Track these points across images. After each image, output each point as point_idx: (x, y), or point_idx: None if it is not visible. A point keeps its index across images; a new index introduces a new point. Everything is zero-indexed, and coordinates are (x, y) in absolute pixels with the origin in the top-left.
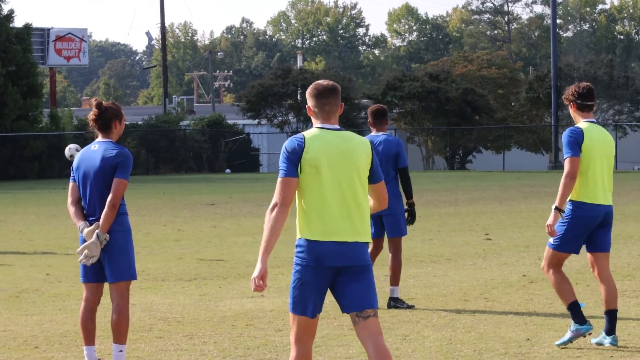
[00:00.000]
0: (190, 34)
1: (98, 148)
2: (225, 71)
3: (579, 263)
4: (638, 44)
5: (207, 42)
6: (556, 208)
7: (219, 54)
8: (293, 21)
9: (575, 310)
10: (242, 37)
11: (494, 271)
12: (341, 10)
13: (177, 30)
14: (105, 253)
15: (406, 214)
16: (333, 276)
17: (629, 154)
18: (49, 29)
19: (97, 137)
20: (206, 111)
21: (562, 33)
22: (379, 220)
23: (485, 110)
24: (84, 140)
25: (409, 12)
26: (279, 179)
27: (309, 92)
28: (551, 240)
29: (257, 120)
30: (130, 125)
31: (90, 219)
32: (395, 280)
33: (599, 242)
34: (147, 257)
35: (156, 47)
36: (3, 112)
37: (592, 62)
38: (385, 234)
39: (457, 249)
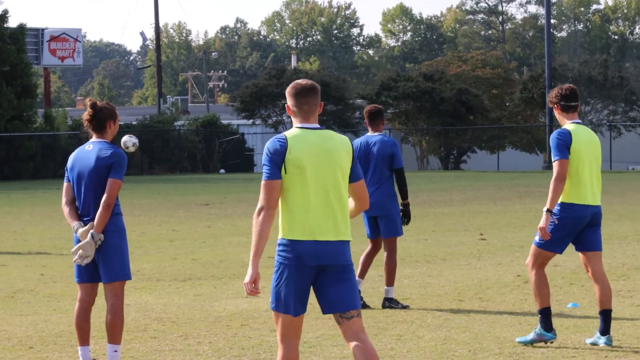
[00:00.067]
0: (184, 34)
1: (92, 148)
2: (220, 71)
3: (573, 263)
4: (632, 44)
5: (201, 42)
6: (548, 210)
7: (213, 54)
8: (287, 21)
9: (545, 316)
10: (236, 37)
11: (488, 271)
12: (335, 10)
13: (172, 31)
14: (100, 253)
15: (401, 214)
16: (315, 275)
17: (623, 154)
18: (43, 29)
19: (91, 137)
20: (200, 111)
21: (556, 33)
22: (374, 221)
23: (480, 111)
24: (79, 140)
25: (403, 12)
26: (263, 182)
27: (287, 91)
28: (537, 238)
29: (251, 121)
30: (124, 126)
31: (85, 219)
32: (390, 280)
33: (588, 242)
34: (141, 257)
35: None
36: None
37: (586, 62)
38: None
39: (451, 249)
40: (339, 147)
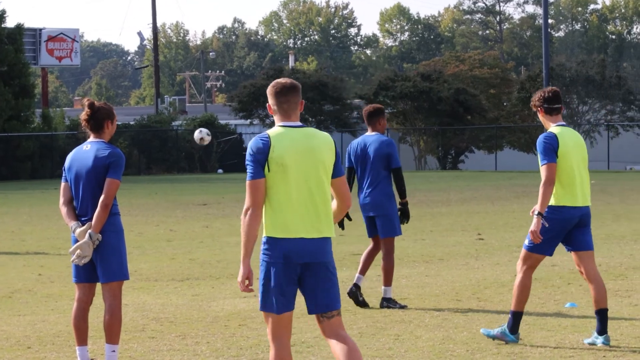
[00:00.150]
0: (182, 34)
1: (90, 148)
2: (217, 71)
3: (572, 263)
4: (630, 43)
5: (199, 42)
6: (539, 214)
7: (210, 54)
8: (285, 21)
9: (515, 318)
10: (234, 37)
11: (486, 271)
12: (333, 10)
13: (169, 31)
14: (98, 253)
15: (399, 214)
16: (299, 273)
17: (621, 154)
18: (40, 29)
19: (89, 137)
20: (198, 111)
21: (554, 33)
22: (371, 221)
23: (477, 110)
24: (76, 140)
25: (401, 12)
26: (248, 182)
27: (268, 90)
28: (527, 241)
29: (249, 121)
30: (122, 126)
31: (83, 219)
32: (387, 280)
33: (579, 242)
34: (139, 257)
35: (148, 47)
36: None
37: (584, 62)
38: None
39: (449, 249)
40: (322, 144)
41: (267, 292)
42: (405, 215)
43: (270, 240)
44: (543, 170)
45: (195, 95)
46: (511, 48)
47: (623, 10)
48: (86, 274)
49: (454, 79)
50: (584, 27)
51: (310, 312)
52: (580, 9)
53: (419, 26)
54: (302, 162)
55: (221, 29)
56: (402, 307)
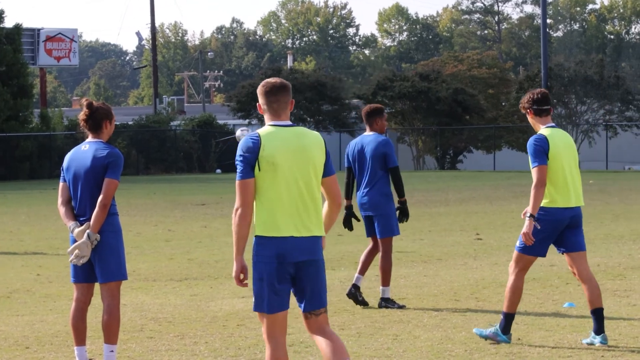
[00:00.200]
0: (180, 34)
1: (89, 148)
2: (216, 71)
3: None
4: (628, 43)
5: (197, 42)
6: (531, 216)
7: (209, 54)
8: (283, 21)
9: (507, 320)
10: (232, 37)
11: (484, 271)
12: (331, 10)
13: (168, 31)
14: (96, 253)
15: (398, 212)
16: (290, 271)
17: (620, 154)
18: (39, 29)
19: (87, 137)
20: (196, 111)
21: (552, 33)
22: (369, 220)
23: (476, 110)
24: (75, 140)
25: (399, 12)
26: (237, 182)
27: (258, 90)
28: (518, 243)
29: (247, 121)
30: (120, 126)
31: (81, 219)
32: (385, 280)
33: (571, 243)
34: (137, 257)
35: (146, 47)
36: None
37: (582, 61)
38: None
39: (448, 248)
40: (312, 143)
41: (260, 292)
42: (404, 214)
43: (262, 240)
44: (534, 172)
45: (193, 95)
46: (509, 48)
47: (621, 10)
48: (84, 274)
49: (453, 79)
50: (582, 27)
51: (302, 309)
52: (578, 8)
53: (418, 26)
54: (292, 161)
55: (219, 29)
56: (401, 307)
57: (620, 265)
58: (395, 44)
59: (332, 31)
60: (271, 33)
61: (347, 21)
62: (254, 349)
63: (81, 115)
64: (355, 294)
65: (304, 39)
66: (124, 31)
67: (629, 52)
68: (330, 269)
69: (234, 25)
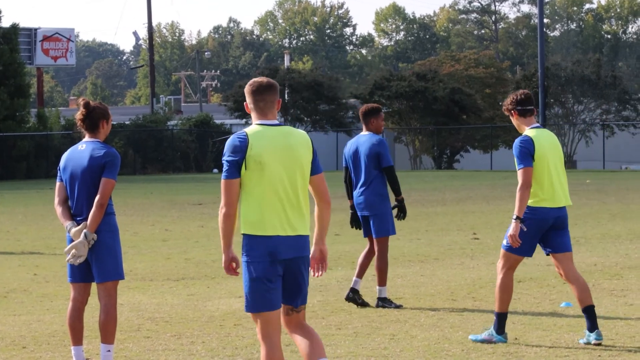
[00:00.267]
0: (177, 34)
1: (85, 148)
2: (213, 71)
3: None
4: (625, 43)
5: (194, 41)
6: (517, 217)
7: (206, 53)
8: (280, 21)
9: (500, 319)
10: (229, 36)
11: (481, 270)
12: (328, 9)
13: (165, 30)
14: (93, 253)
15: (396, 210)
16: (281, 269)
17: (617, 153)
18: (36, 29)
19: (84, 137)
20: (193, 111)
21: (549, 32)
22: (365, 220)
23: (473, 110)
24: (72, 140)
25: (396, 11)
26: (222, 181)
27: (245, 89)
28: (505, 242)
29: (244, 120)
30: (117, 125)
31: (78, 218)
32: (381, 280)
33: (556, 244)
34: (134, 257)
35: (143, 47)
36: None
37: (579, 61)
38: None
39: (444, 248)
40: (299, 142)
41: (252, 292)
42: (402, 211)
43: (251, 240)
44: (520, 174)
45: (190, 95)
46: (506, 47)
47: (618, 10)
48: (81, 274)
49: (450, 78)
50: (579, 26)
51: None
52: (575, 8)
53: (415, 26)
54: (280, 160)
55: (216, 29)
56: (398, 306)
57: (617, 264)
58: (392, 43)
59: (329, 31)
60: (268, 33)
61: (344, 21)
62: (251, 348)
63: (78, 115)
64: (354, 298)
65: (301, 38)
66: (121, 31)
67: (626, 51)
68: (327, 268)
69: (231, 24)
